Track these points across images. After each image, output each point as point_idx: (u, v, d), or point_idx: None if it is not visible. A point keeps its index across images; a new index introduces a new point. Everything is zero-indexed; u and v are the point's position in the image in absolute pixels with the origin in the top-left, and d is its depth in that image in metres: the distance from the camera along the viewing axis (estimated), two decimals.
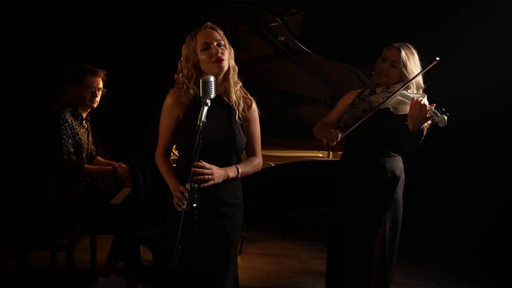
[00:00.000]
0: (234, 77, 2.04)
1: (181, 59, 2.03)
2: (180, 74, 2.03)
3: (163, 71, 3.27)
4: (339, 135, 2.36)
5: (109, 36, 4.07)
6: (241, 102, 2.05)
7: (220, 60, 1.95)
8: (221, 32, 2.03)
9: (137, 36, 4.15)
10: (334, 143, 2.35)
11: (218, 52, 1.95)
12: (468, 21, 4.04)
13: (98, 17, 4.04)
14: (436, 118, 2.12)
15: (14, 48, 3.96)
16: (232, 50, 2.05)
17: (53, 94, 3.48)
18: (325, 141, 2.37)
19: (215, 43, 1.97)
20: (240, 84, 2.08)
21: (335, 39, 3.98)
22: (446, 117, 2.10)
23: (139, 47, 4.17)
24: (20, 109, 3.95)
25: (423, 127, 2.21)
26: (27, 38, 3.96)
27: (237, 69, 2.06)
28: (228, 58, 2.00)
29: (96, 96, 2.98)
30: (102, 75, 3.00)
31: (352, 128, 2.39)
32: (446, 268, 3.76)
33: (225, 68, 1.98)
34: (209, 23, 2.02)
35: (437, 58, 2.22)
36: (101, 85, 2.99)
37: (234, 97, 2.03)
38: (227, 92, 2.03)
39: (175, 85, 2.07)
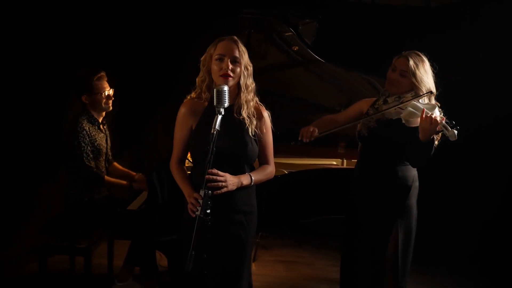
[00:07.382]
0: (247, 95, 2.04)
1: (201, 59, 2.06)
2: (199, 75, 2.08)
3: (178, 78, 3.33)
4: (315, 134, 2.50)
5: (126, 43, 4.08)
6: (254, 120, 2.06)
7: (226, 76, 1.97)
8: (243, 48, 2.02)
9: (152, 44, 4.16)
10: (307, 141, 2.51)
11: (228, 67, 1.96)
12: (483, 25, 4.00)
13: (112, 24, 4.01)
14: (447, 133, 2.10)
15: (24, 53, 3.90)
16: (250, 68, 2.05)
17: (69, 100, 3.49)
18: (300, 135, 2.53)
19: (229, 58, 1.98)
20: (255, 101, 2.08)
21: (351, 47, 3.99)
22: (456, 132, 2.09)
23: (153, 55, 4.18)
24: (35, 116, 3.96)
25: (433, 137, 2.21)
26: (34, 40, 3.87)
27: (253, 87, 2.06)
28: (239, 76, 2.00)
29: (111, 98, 3.01)
30: (105, 77, 3.01)
31: (325, 133, 2.52)
32: (441, 274, 3.72)
33: (231, 84, 1.98)
34: (234, 36, 2.03)
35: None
36: (108, 86, 3.01)
37: (245, 115, 2.04)
38: (239, 108, 2.05)
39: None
